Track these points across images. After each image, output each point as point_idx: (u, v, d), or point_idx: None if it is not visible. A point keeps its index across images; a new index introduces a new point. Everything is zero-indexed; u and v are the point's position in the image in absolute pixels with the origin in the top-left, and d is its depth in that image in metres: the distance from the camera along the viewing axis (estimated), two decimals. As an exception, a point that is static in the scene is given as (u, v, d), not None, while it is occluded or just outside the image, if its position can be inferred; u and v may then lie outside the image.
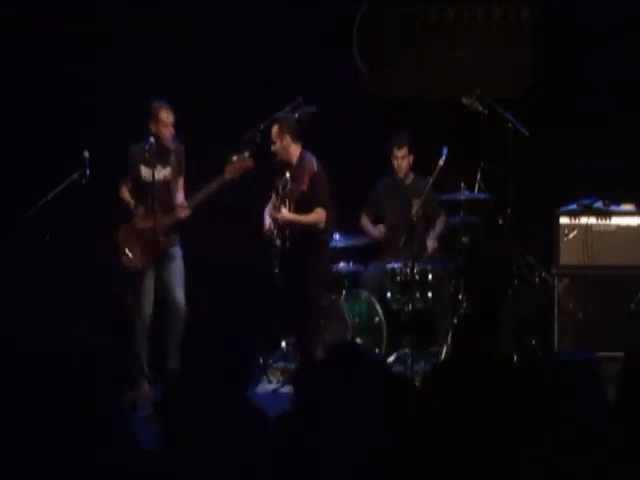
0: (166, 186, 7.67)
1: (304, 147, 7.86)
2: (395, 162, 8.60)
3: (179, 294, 7.66)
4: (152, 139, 7.59)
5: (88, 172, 7.55)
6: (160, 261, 7.67)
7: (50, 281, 8.28)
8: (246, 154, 7.55)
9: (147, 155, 7.59)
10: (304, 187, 7.61)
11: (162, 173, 7.69)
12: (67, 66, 9.00)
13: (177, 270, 7.70)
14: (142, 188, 7.72)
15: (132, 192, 7.77)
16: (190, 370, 3.89)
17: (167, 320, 7.67)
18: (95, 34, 9.05)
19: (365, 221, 8.80)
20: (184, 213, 7.59)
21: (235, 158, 7.54)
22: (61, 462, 3.39)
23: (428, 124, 8.73)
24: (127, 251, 7.68)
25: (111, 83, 8.91)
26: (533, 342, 8.13)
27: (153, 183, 7.60)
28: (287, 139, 7.64)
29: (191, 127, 8.60)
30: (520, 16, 9.28)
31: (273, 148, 7.63)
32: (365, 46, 9.45)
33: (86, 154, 7.57)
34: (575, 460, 3.71)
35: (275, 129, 7.65)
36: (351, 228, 8.67)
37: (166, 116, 7.62)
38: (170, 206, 7.65)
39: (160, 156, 7.66)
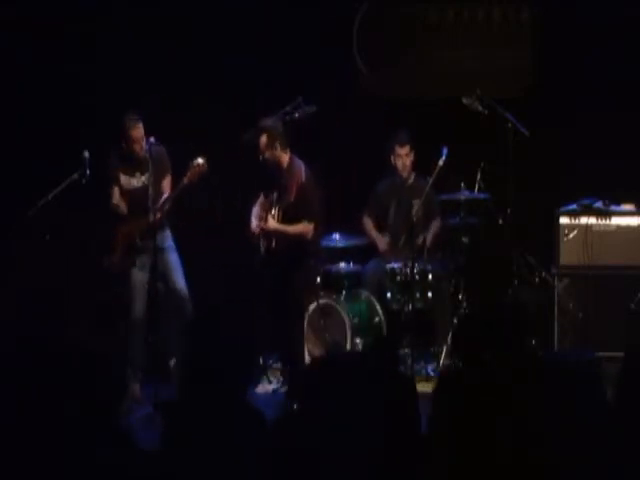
0: (144, 192, 7.68)
1: (301, 150, 7.84)
2: (399, 161, 8.56)
3: (179, 283, 7.72)
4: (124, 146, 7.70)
5: (88, 172, 7.56)
6: (157, 258, 7.70)
7: (50, 281, 8.28)
8: (201, 160, 7.56)
9: (124, 163, 7.73)
10: (291, 198, 7.55)
11: (141, 180, 7.77)
12: (67, 66, 9.00)
13: (171, 260, 7.78)
14: (124, 195, 7.82)
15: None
16: (190, 371, 3.89)
17: (171, 313, 7.72)
18: (95, 34, 9.05)
19: (368, 225, 8.75)
20: (156, 216, 7.65)
21: (194, 163, 7.57)
22: (61, 462, 3.39)
23: (428, 124, 8.72)
24: (113, 253, 7.75)
25: (111, 83, 8.91)
26: (533, 342, 8.12)
27: (131, 190, 7.75)
28: (277, 148, 7.57)
29: (191, 127, 8.62)
30: (520, 16, 9.27)
31: (262, 158, 7.57)
32: (365, 46, 9.44)
33: (86, 154, 7.58)
34: (575, 460, 3.71)
35: (264, 139, 7.54)
36: (351, 228, 8.67)
37: (133, 132, 7.63)
38: (147, 212, 7.66)
39: (138, 164, 7.72)
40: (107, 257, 7.79)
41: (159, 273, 7.69)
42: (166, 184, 7.79)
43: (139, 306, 7.73)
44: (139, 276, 7.75)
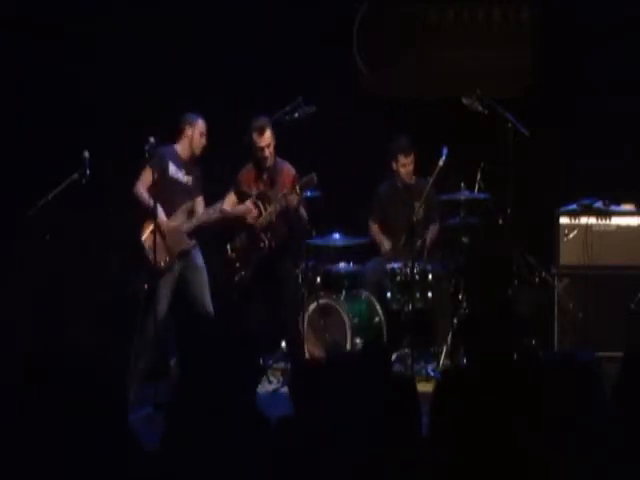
0: (187, 190, 7.76)
1: (302, 150, 7.87)
2: (402, 169, 8.56)
3: (209, 306, 7.67)
4: (178, 147, 7.77)
5: (88, 172, 7.53)
6: (186, 270, 7.71)
7: (50, 281, 8.28)
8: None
9: (175, 157, 7.76)
10: (286, 190, 7.56)
11: (185, 178, 7.80)
12: (67, 66, 9.00)
13: (204, 281, 7.73)
14: (168, 183, 7.71)
15: (152, 189, 7.63)
16: (191, 371, 3.89)
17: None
18: (95, 34, 9.05)
19: (375, 230, 8.75)
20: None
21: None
22: (61, 462, 3.39)
23: (428, 124, 8.73)
24: (151, 250, 7.54)
25: (111, 83, 8.91)
26: (533, 342, 8.12)
27: (178, 181, 7.74)
28: (274, 141, 7.64)
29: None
30: (520, 16, 9.28)
31: (268, 152, 7.55)
32: (365, 46, 9.45)
33: (86, 154, 7.56)
34: (575, 460, 3.71)
35: (268, 133, 7.56)
36: (351, 228, 8.67)
37: (202, 125, 7.76)
38: (191, 210, 7.74)
39: (186, 163, 7.78)
40: (148, 255, 7.61)
41: (189, 292, 7.69)
42: (198, 202, 7.82)
43: (163, 308, 7.67)
44: (170, 277, 7.69)
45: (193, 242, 7.72)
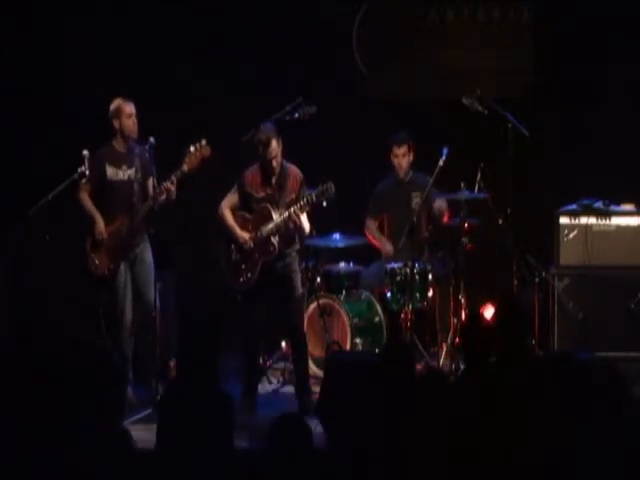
0: (130, 186, 7.53)
1: (302, 150, 7.84)
2: (395, 160, 8.55)
3: (150, 301, 7.46)
4: (115, 141, 7.57)
5: (88, 172, 7.50)
6: (134, 264, 7.56)
7: (50, 282, 8.27)
8: (203, 142, 7.44)
9: (113, 155, 7.54)
10: (294, 194, 7.52)
11: (127, 173, 7.57)
12: (68, 66, 9.00)
13: (149, 277, 7.49)
14: (107, 188, 7.58)
15: (93, 195, 7.59)
16: (191, 371, 3.89)
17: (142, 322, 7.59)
18: (96, 34, 9.06)
19: (372, 228, 8.71)
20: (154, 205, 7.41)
21: (193, 148, 7.43)
22: (60, 461, 3.39)
23: (428, 124, 8.73)
24: (94, 258, 7.53)
25: (112, 83, 8.91)
26: (533, 342, 8.13)
27: (118, 182, 7.53)
28: (281, 149, 7.55)
29: (191, 127, 8.62)
30: (520, 16, 9.28)
31: (276, 162, 7.46)
32: (365, 46, 9.45)
33: (85, 153, 7.51)
34: (575, 459, 3.71)
35: (274, 144, 7.42)
36: (351, 228, 8.66)
37: (128, 107, 7.52)
38: (132, 207, 7.51)
39: (126, 156, 7.56)
40: (90, 263, 7.59)
41: (134, 284, 7.55)
42: (150, 185, 7.55)
43: (129, 307, 7.58)
44: (125, 277, 7.57)
45: (137, 240, 7.55)
